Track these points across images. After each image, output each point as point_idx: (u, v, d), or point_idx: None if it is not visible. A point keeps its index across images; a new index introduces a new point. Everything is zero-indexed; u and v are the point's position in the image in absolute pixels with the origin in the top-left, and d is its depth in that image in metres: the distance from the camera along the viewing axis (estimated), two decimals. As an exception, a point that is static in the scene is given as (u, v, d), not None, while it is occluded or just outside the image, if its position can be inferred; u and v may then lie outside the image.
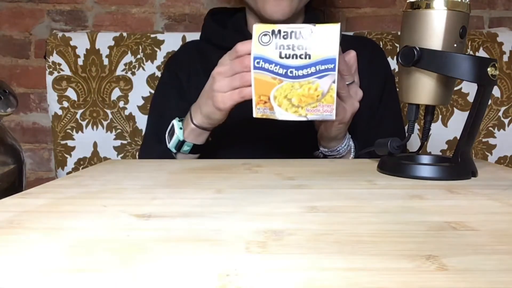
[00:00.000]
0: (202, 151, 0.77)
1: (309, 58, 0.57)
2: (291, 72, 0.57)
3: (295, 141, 0.80)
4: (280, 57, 0.57)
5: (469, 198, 0.46)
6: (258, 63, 0.58)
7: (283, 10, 0.81)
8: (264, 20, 0.85)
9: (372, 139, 0.70)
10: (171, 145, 0.76)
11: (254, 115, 0.60)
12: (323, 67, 0.57)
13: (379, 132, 0.85)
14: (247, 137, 0.81)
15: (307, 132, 0.77)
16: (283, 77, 0.58)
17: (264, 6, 0.81)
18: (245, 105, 0.64)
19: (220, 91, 0.66)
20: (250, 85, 0.61)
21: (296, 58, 0.57)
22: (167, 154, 0.77)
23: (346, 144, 0.75)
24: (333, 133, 0.72)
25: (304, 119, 0.59)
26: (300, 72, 0.57)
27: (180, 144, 0.75)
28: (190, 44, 0.99)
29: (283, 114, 0.59)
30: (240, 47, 0.63)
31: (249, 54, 0.60)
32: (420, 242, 0.32)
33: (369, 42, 0.98)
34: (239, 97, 0.65)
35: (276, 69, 0.57)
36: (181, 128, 0.75)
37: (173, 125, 0.76)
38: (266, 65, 0.58)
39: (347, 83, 0.66)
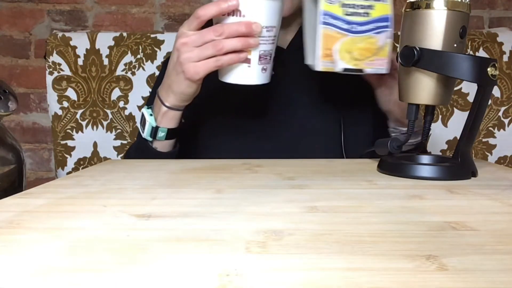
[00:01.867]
0: (177, 135, 0.75)
1: (368, 16, 0.63)
2: (353, 27, 0.63)
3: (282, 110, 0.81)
4: (345, 14, 0.62)
5: (469, 198, 0.46)
6: (326, 19, 0.62)
7: (287, 7, 0.81)
8: None
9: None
10: (146, 133, 0.73)
11: (317, 69, 0.64)
12: (380, 24, 0.64)
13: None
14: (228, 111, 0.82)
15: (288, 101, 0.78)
16: (347, 32, 0.63)
17: None
18: (215, 77, 0.64)
19: (191, 61, 0.64)
20: (225, 53, 0.62)
21: (358, 15, 0.63)
22: (143, 146, 0.75)
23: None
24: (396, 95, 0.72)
25: (360, 72, 0.65)
26: (361, 28, 0.63)
27: (154, 130, 0.72)
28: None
29: (344, 66, 0.64)
30: (202, 11, 0.62)
31: (211, 18, 0.62)
32: (420, 242, 0.32)
33: None
34: (215, 65, 0.63)
35: (341, 24, 0.62)
36: (151, 115, 0.73)
37: (143, 113, 0.74)
38: (333, 21, 0.62)
39: None
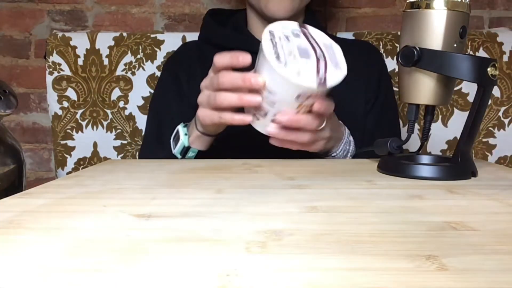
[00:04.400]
0: (206, 156, 0.75)
1: None
2: None
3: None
4: None
5: (469, 198, 0.46)
6: None
7: (285, 9, 0.81)
8: (266, 18, 0.86)
9: (369, 138, 0.70)
10: (176, 151, 0.74)
11: None
12: None
13: (376, 130, 0.86)
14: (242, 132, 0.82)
15: None
16: None
17: (267, 4, 0.81)
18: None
19: (202, 106, 0.65)
20: (225, 108, 0.61)
21: None
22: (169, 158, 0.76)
23: (342, 150, 0.75)
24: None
25: None
26: None
27: (185, 150, 0.73)
28: (189, 44, 0.99)
29: None
30: (217, 58, 0.62)
31: (227, 67, 0.60)
32: (420, 242, 0.32)
33: (366, 44, 0.99)
34: (219, 121, 0.63)
35: None
36: (186, 134, 0.73)
37: (178, 130, 0.75)
38: None
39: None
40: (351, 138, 0.77)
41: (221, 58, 0.61)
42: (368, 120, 0.87)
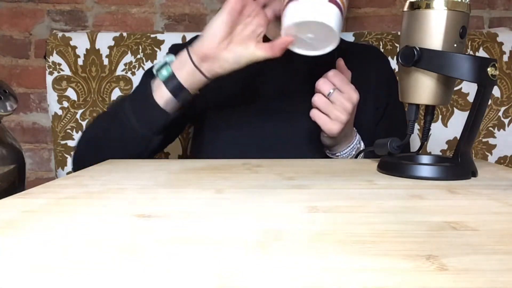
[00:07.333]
0: (182, 99, 0.71)
1: None
2: None
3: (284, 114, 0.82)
4: None
5: (469, 198, 0.46)
6: None
7: None
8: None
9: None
10: (156, 66, 0.71)
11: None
12: None
13: (387, 137, 0.86)
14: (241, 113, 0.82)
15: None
16: None
17: None
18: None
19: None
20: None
21: None
22: (138, 94, 0.73)
23: (347, 153, 0.76)
24: (327, 142, 0.75)
25: None
26: None
27: (162, 65, 0.70)
28: (193, 39, 0.99)
29: None
30: None
31: None
32: (420, 242, 0.32)
33: (374, 49, 0.99)
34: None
35: None
36: (175, 55, 0.72)
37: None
38: None
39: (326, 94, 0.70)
40: (361, 145, 0.77)
41: None
42: (379, 127, 0.87)
